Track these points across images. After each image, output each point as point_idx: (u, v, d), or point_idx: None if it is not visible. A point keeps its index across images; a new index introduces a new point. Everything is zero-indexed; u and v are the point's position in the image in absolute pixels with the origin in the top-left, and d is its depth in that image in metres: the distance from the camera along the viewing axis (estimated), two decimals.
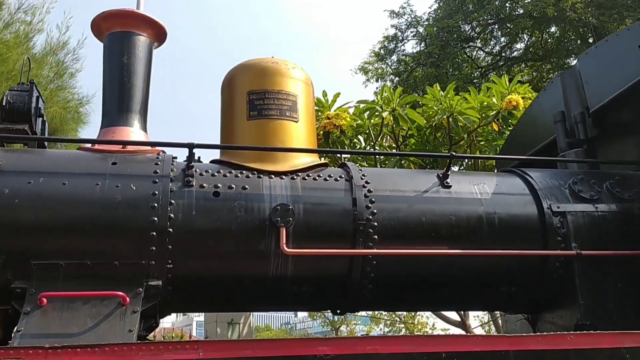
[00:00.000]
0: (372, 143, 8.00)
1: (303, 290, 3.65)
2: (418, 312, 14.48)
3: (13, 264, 3.13)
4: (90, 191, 3.29)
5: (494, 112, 7.40)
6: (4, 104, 3.71)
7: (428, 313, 18.44)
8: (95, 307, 3.09)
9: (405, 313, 14.45)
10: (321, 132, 7.39)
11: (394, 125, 7.60)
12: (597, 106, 4.63)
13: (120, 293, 3.10)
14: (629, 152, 4.65)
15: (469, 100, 7.48)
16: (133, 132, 3.82)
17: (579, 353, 2.90)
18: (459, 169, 8.60)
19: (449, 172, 3.94)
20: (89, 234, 3.22)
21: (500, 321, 8.62)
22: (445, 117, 7.43)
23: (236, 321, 10.33)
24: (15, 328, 3.01)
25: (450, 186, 3.89)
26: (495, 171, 5.88)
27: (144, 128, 3.94)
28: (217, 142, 3.94)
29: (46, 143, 4.01)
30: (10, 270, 3.13)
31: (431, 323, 24.33)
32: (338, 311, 4.07)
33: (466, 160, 8.30)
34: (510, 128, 7.06)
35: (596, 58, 4.75)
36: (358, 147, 8.11)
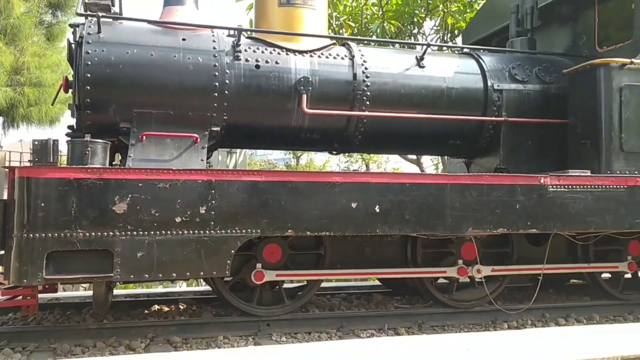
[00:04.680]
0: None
1: (314, 137, 5.21)
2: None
3: (120, 111, 4.51)
4: (171, 60, 4.58)
5: None
6: None
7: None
8: (177, 143, 4.58)
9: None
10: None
11: None
12: (544, 2, 5.96)
13: (194, 135, 4.59)
14: (561, 42, 6.11)
15: None
16: (190, 11, 4.96)
17: (490, 187, 4.63)
18: (436, 37, 9.80)
19: (425, 56, 5.33)
20: (172, 92, 4.58)
21: (445, 161, 10.60)
22: None
23: (234, 151, 12.09)
24: (127, 154, 4.51)
25: (424, 67, 5.31)
26: (461, 42, 7.22)
27: (196, 5, 5.08)
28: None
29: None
30: (118, 115, 4.52)
31: (383, 160, 26.75)
32: (334, 152, 5.70)
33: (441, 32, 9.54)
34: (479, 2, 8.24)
35: None
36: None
